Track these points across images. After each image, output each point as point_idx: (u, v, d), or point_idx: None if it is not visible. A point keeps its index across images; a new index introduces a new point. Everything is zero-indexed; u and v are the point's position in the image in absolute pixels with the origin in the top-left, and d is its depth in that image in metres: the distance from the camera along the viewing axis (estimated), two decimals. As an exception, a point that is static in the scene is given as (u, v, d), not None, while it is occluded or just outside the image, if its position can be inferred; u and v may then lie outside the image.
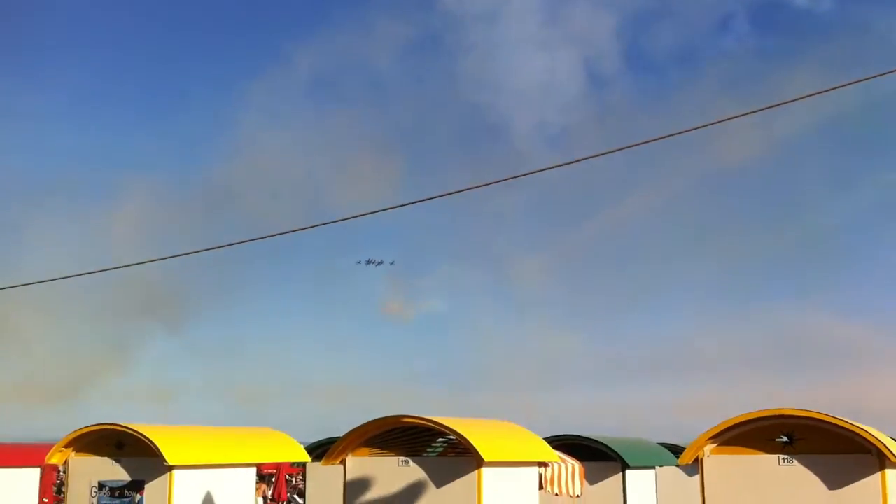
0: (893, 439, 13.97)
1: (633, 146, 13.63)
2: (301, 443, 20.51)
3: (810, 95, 11.08)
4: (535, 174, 14.40)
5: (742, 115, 12.04)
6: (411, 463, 15.82)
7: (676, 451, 25.67)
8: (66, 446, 18.28)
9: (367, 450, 16.45)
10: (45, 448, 21.96)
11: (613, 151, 13.66)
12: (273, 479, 35.29)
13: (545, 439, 18.30)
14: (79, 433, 18.02)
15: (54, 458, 18.52)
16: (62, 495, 29.31)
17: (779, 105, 11.38)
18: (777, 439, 13.80)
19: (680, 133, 12.32)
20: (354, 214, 15.66)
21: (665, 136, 12.64)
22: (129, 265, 19.06)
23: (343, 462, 16.55)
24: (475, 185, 13.97)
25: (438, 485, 15.52)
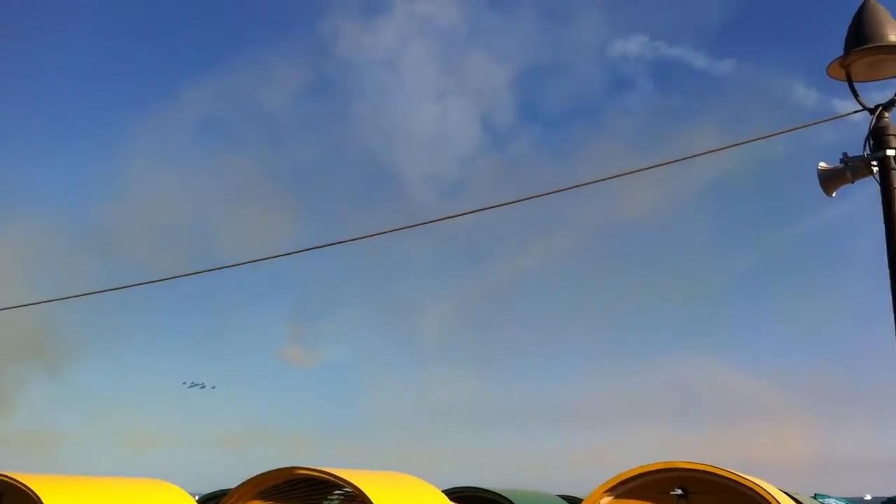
0: (785, 493, 14.22)
1: (536, 196, 13.73)
2: (192, 494, 19.88)
3: (697, 155, 11.33)
4: (435, 223, 14.37)
5: (620, 174, 12.26)
6: (306, 516, 15.49)
7: (574, 503, 25.75)
8: (-59, 497, 17.37)
9: (259, 502, 16.03)
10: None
11: (516, 202, 13.73)
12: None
13: (444, 492, 18.13)
14: (-46, 483, 17.16)
15: (-74, 511, 17.57)
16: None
17: (666, 163, 11.61)
18: (672, 492, 13.91)
19: (578, 186, 12.47)
20: (250, 259, 15.35)
21: (565, 188, 12.77)
22: (6, 308, 18.35)
23: (235, 515, 16.09)
24: (375, 232, 13.87)
25: (334, 538, 15.21)
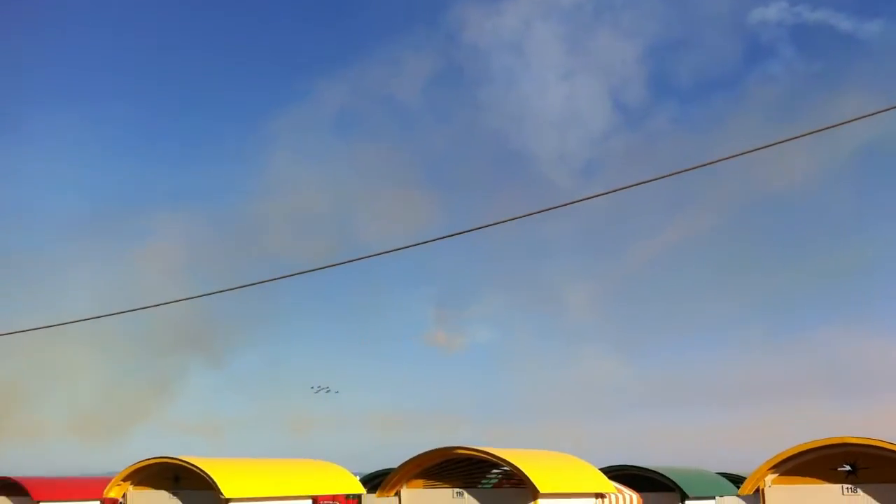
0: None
1: (677, 173, 13.47)
2: (354, 474, 20.47)
3: (851, 121, 10.86)
4: (574, 204, 14.27)
5: (762, 147, 11.85)
6: (466, 495, 15.72)
7: (735, 480, 25.20)
8: (124, 480, 18.47)
9: (421, 481, 16.38)
10: (102, 482, 22.25)
11: (658, 179, 13.51)
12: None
13: (601, 470, 18.06)
14: (136, 467, 18.20)
15: (112, 492, 18.72)
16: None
17: (815, 132, 11.17)
18: (840, 468, 13.48)
19: (720, 160, 12.17)
20: (394, 248, 15.64)
21: (707, 164, 12.49)
22: (164, 303, 19.29)
23: (398, 494, 16.50)
24: (517, 215, 13.89)
25: (494, 516, 15.39)
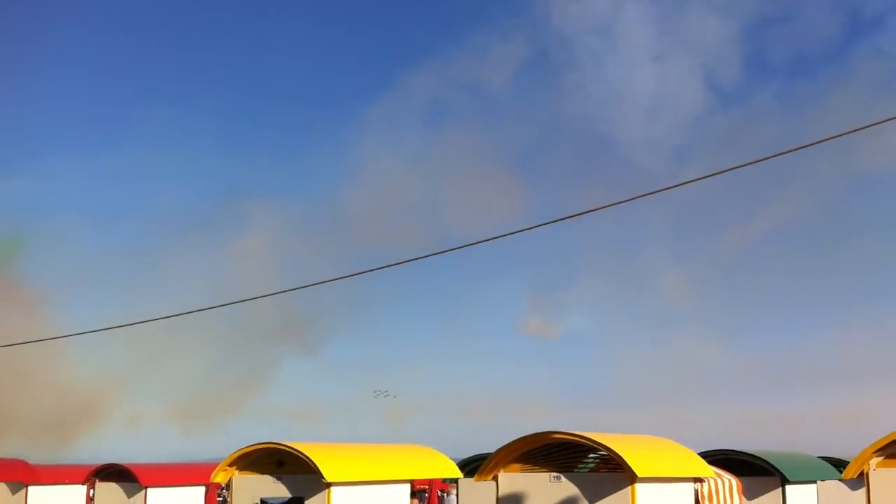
0: None
1: (777, 155, 13.30)
2: (451, 459, 20.75)
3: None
4: (669, 189, 14.22)
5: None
6: (563, 479, 15.80)
7: (837, 464, 24.72)
8: (230, 465, 19.07)
9: (518, 466, 16.52)
10: (208, 467, 22.99)
11: (754, 163, 13.37)
12: (426, 495, 35.73)
13: (699, 454, 17.95)
14: (241, 452, 18.78)
15: (219, 477, 19.35)
16: (226, 512, 30.49)
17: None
18: (948, 451, 13.19)
19: (810, 144, 11.98)
20: (490, 237, 15.82)
21: (809, 144, 12.30)
22: (261, 296, 19.89)
23: (495, 478, 16.66)
24: (614, 202, 13.92)
25: (591, 500, 15.44)
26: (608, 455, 15.32)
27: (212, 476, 19.48)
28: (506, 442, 16.48)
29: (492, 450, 17.05)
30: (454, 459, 21.38)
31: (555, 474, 15.95)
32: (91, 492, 28.09)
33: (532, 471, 16.31)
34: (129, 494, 25.69)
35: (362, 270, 18.95)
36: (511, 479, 16.50)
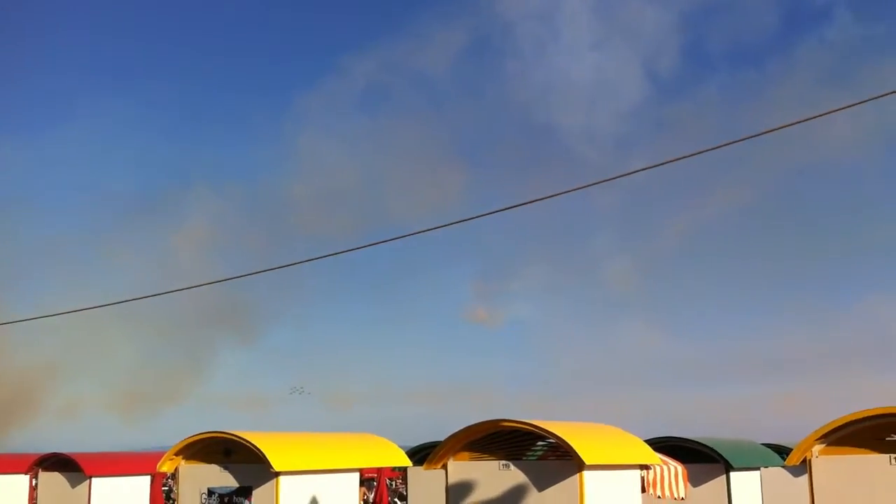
0: None
1: (723, 145, 13.45)
2: (400, 447, 20.73)
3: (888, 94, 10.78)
4: (621, 178, 14.31)
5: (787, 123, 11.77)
6: (512, 467, 15.87)
7: (780, 451, 25.17)
8: (176, 454, 18.85)
9: (467, 454, 16.56)
10: (153, 457, 22.71)
11: (703, 152, 13.49)
12: (374, 484, 35.73)
13: (646, 441, 18.14)
14: (188, 441, 18.57)
15: (165, 466, 19.12)
16: (172, 502, 30.20)
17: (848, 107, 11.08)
18: (889, 438, 13.44)
19: (772, 130, 12.13)
20: (432, 227, 15.84)
21: (756, 135, 12.46)
22: (199, 285, 19.72)
23: (444, 466, 16.68)
24: (565, 189, 13.97)
25: (540, 488, 15.53)
26: (556, 443, 15.41)
27: (158, 466, 19.24)
28: (453, 430, 16.52)
29: (437, 439, 17.09)
30: (402, 447, 21.34)
31: (504, 462, 16.01)
32: (34, 482, 27.63)
33: (481, 459, 16.35)
34: (73, 484, 25.29)
35: (303, 260, 18.88)
36: (460, 468, 16.53)
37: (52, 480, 25.93)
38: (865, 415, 13.55)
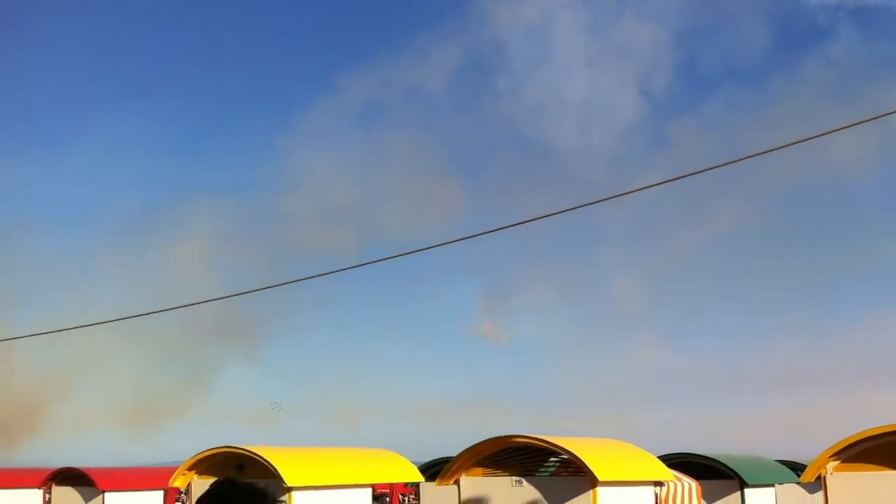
0: None
1: (733, 161, 13.42)
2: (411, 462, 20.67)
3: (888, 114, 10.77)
4: (628, 195, 14.32)
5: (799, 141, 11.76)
6: (525, 483, 15.82)
7: (794, 467, 24.98)
8: (189, 469, 18.85)
9: (480, 469, 16.52)
10: (166, 472, 22.73)
11: (712, 168, 13.48)
12: (387, 499, 35.61)
13: (659, 457, 18.06)
14: (200, 456, 18.57)
15: (178, 481, 19.12)
16: (184, 516, 30.17)
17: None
18: (904, 455, 13.36)
19: (770, 151, 12.12)
20: (440, 243, 15.85)
21: (761, 153, 12.45)
22: (198, 303, 19.77)
23: (457, 482, 16.64)
24: (572, 206, 13.97)
25: (553, 504, 15.49)
26: (569, 459, 15.36)
27: (170, 480, 19.25)
28: (464, 446, 16.50)
29: (449, 453, 17.07)
30: (413, 463, 21.30)
31: (516, 478, 15.97)
32: (47, 496, 27.67)
33: (493, 475, 16.31)
34: (87, 499, 25.32)
35: (307, 276, 18.89)
36: (473, 483, 16.50)
37: (65, 495, 25.97)
38: (880, 431, 13.47)
